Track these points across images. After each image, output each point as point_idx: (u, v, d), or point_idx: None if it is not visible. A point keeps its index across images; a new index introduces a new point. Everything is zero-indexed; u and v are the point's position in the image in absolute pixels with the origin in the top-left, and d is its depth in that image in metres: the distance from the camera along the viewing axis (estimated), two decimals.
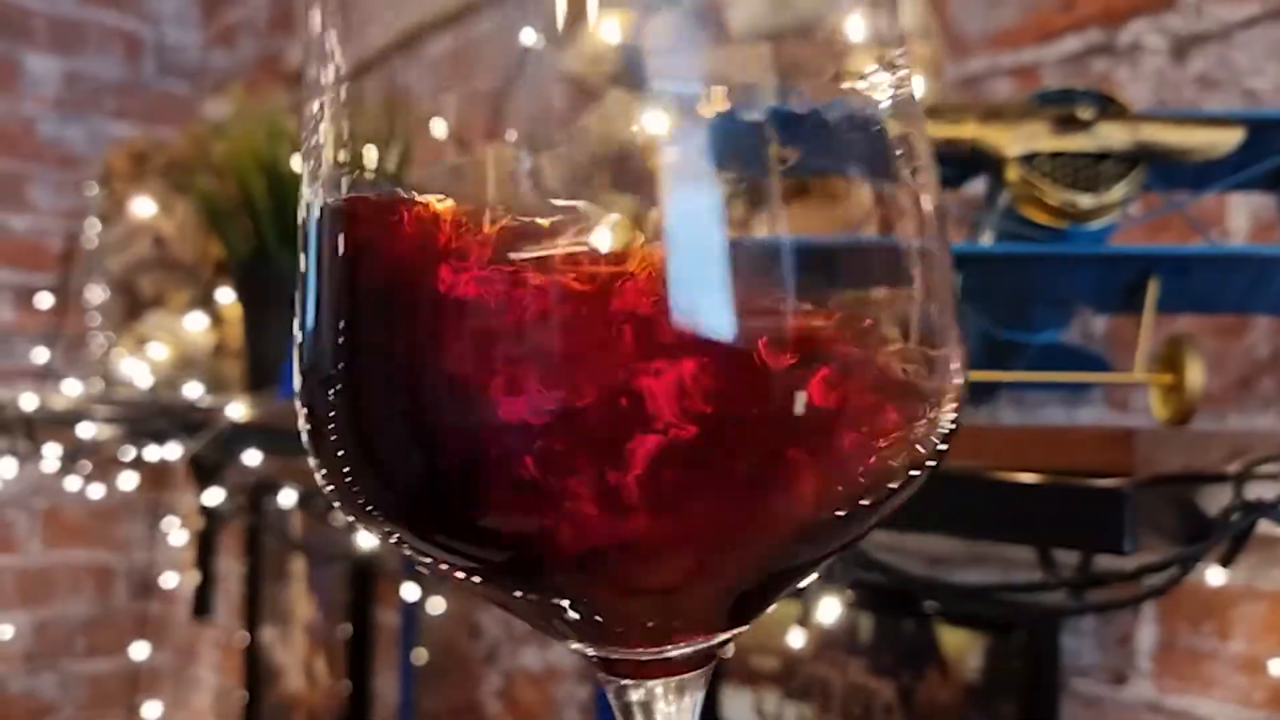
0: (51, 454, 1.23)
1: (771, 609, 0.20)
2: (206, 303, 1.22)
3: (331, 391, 0.17)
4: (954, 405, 0.19)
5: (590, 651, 0.18)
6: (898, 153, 0.20)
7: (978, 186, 0.58)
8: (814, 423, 0.16)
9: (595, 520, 0.16)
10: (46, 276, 1.63)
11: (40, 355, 1.53)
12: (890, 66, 0.20)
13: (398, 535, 0.18)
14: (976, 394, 0.67)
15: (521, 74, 0.19)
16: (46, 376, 1.51)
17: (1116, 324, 0.73)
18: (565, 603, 0.17)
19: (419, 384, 0.16)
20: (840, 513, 0.17)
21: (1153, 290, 0.51)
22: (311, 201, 0.19)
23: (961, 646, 0.75)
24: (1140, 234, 0.68)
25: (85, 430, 1.12)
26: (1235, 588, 0.65)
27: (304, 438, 0.19)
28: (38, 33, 1.64)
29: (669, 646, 0.18)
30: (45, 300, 1.61)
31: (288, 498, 0.88)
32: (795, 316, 0.16)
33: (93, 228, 1.33)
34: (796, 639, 0.51)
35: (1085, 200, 0.49)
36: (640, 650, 0.18)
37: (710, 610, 0.18)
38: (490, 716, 1.13)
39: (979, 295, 0.54)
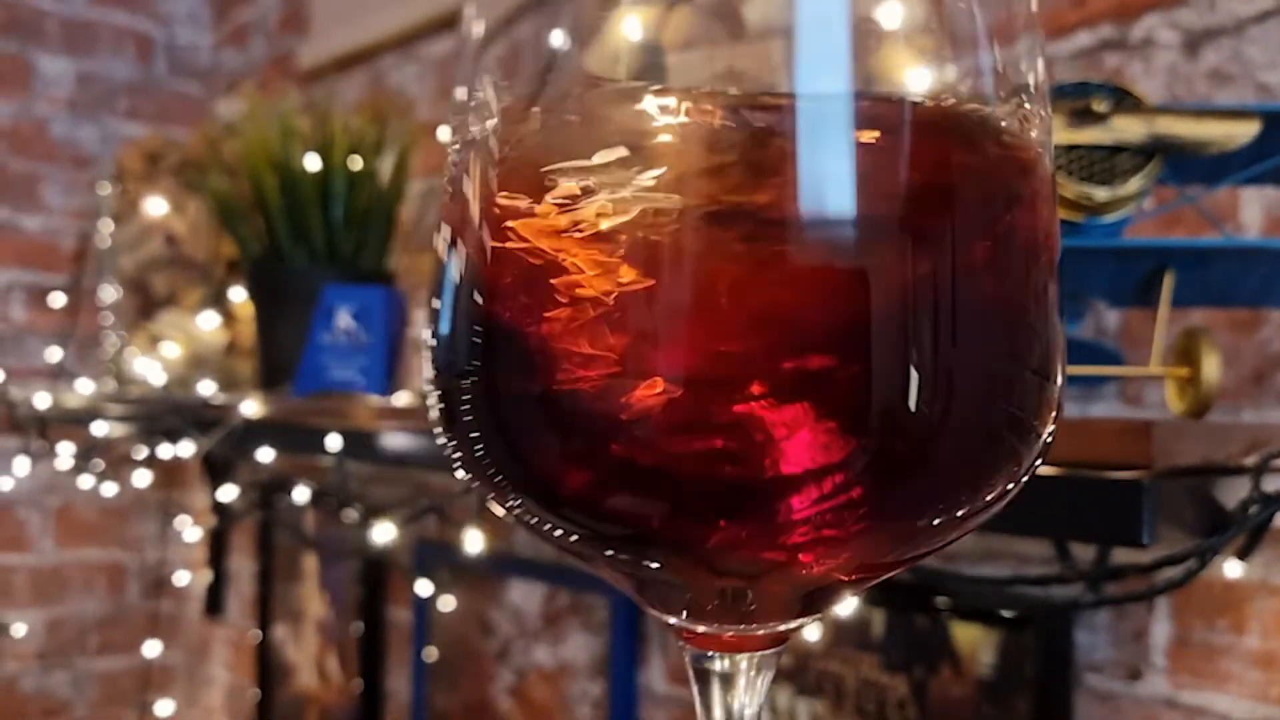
0: (65, 452, 1.24)
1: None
2: (219, 301, 1.23)
3: (468, 380, 0.18)
4: (1054, 417, 0.20)
5: (677, 622, 0.19)
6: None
7: None
8: (940, 433, 0.17)
9: (715, 520, 0.17)
10: (59, 276, 1.64)
11: (53, 354, 1.54)
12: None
13: (522, 507, 0.19)
14: None
15: None
16: (59, 375, 1.52)
17: (1129, 320, 0.73)
18: (669, 579, 0.18)
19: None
20: (941, 520, 0.18)
21: (1168, 283, 0.51)
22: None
23: (974, 642, 0.75)
24: (1153, 228, 0.68)
25: (98, 429, 1.13)
26: (1250, 583, 0.65)
27: (437, 418, 0.20)
28: (50, 33, 1.65)
29: (755, 625, 0.19)
30: (58, 300, 1.62)
31: (300, 495, 0.89)
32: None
33: (105, 227, 1.34)
34: (810, 634, 0.51)
35: (1101, 193, 0.49)
36: (728, 627, 0.19)
37: (794, 600, 0.19)
38: (502, 713, 1.14)
39: None
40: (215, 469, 1.41)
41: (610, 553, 0.19)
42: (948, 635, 0.76)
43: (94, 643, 1.66)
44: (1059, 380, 0.19)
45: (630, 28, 0.21)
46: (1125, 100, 0.49)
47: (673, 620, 0.19)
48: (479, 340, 0.18)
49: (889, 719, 0.79)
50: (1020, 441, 0.18)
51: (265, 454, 0.93)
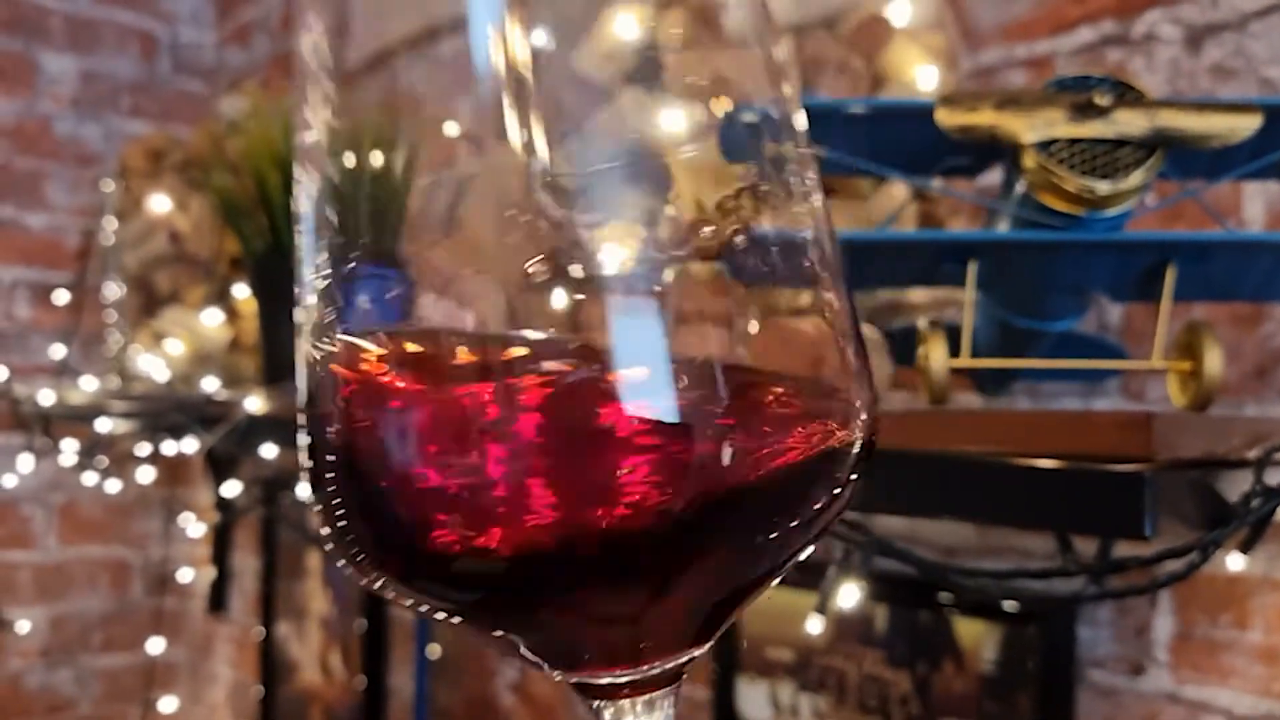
0: (69, 449, 1.24)
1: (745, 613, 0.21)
2: (222, 298, 1.23)
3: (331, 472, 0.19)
4: (867, 428, 0.20)
5: (565, 678, 0.20)
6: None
7: (992, 177, 0.58)
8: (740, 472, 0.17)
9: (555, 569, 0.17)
10: (63, 274, 1.65)
11: (57, 352, 1.54)
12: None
13: (383, 581, 0.19)
14: (992, 383, 0.67)
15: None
16: (63, 373, 1.52)
17: (1130, 315, 0.73)
18: (530, 638, 0.19)
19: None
20: (773, 535, 0.18)
21: (1170, 277, 0.51)
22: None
23: (977, 637, 0.75)
24: (1154, 222, 0.68)
25: (102, 425, 1.13)
26: (1253, 577, 0.65)
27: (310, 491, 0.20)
28: (54, 31, 1.65)
29: (643, 667, 0.19)
30: (62, 297, 1.62)
31: (303, 490, 0.89)
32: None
33: (109, 224, 1.34)
34: (814, 627, 0.51)
35: (1103, 186, 0.49)
36: (614, 673, 0.19)
37: (673, 634, 0.19)
38: (505, 710, 1.14)
39: (995, 283, 0.54)
40: (218, 466, 1.42)
41: (479, 621, 0.19)
42: (950, 631, 0.76)
43: (98, 640, 1.66)
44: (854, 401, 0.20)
45: (624, 27, 0.21)
46: (1127, 94, 0.49)
47: (573, 678, 0.19)
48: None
49: (892, 714, 0.79)
50: (824, 466, 0.19)
51: (269, 450, 0.94)
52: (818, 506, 0.19)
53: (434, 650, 1.22)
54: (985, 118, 0.50)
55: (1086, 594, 0.50)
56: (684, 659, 0.19)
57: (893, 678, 0.79)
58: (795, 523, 0.19)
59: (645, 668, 0.19)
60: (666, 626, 0.19)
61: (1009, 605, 0.73)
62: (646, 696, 0.19)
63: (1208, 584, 0.67)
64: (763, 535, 0.18)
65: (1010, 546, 0.75)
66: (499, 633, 0.19)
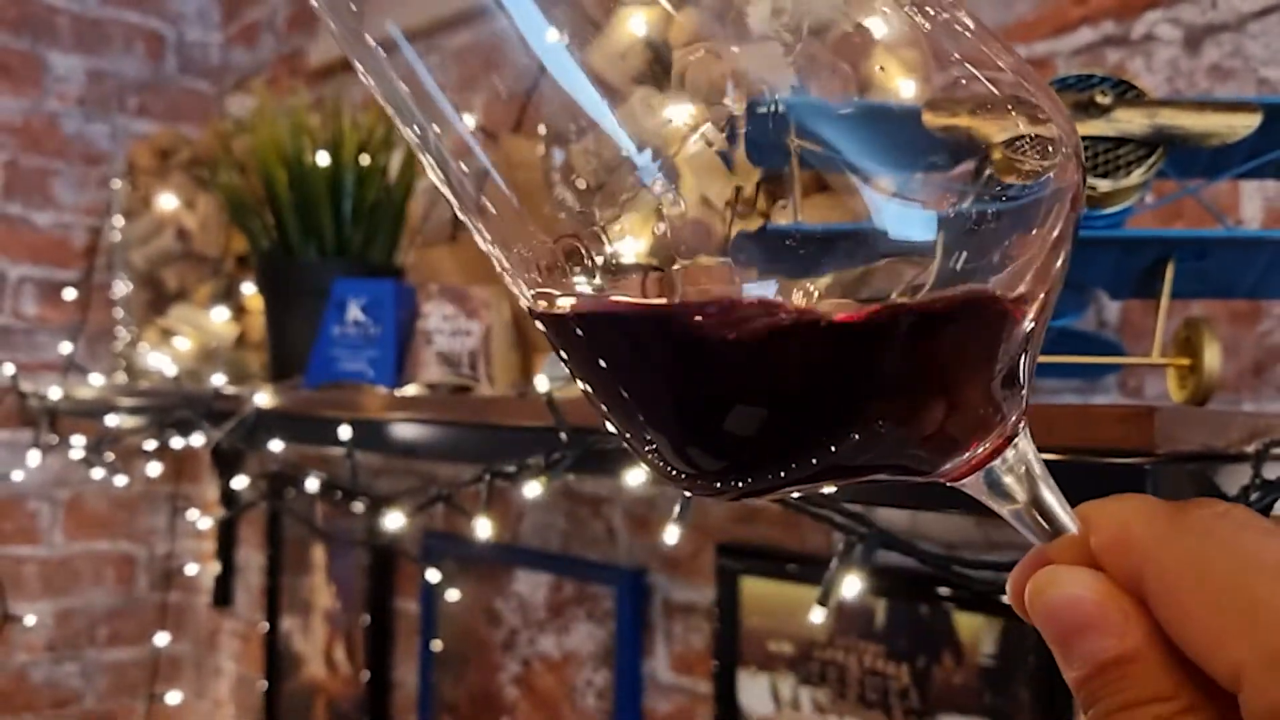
0: (76, 445, 1.25)
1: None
2: (229, 295, 1.24)
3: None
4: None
5: (954, 461, 0.23)
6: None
7: None
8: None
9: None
10: (70, 271, 1.65)
11: (64, 348, 1.55)
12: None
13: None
14: None
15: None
16: (70, 369, 1.53)
17: (1128, 313, 0.74)
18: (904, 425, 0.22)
19: None
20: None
21: (1170, 274, 0.52)
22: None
23: (976, 631, 0.75)
24: (1153, 221, 0.69)
25: (111, 420, 1.14)
26: None
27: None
28: (62, 31, 1.66)
29: (977, 446, 0.22)
30: (69, 294, 1.63)
31: (310, 485, 0.90)
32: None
33: (117, 222, 1.35)
34: (816, 618, 0.52)
35: (1104, 184, 0.50)
36: (958, 457, 0.23)
37: (970, 421, 0.22)
38: (509, 703, 1.15)
39: None
40: (224, 462, 1.43)
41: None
42: (950, 624, 0.77)
43: (103, 634, 1.67)
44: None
45: (636, 25, 0.22)
46: (1128, 93, 0.50)
47: (952, 460, 0.23)
48: None
49: (892, 707, 0.80)
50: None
51: (276, 445, 0.94)
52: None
53: (438, 644, 1.23)
54: (969, 120, 0.51)
55: None
56: (1009, 421, 0.22)
57: (893, 671, 0.80)
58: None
59: (979, 446, 0.22)
60: (972, 404, 0.22)
61: (1007, 598, 0.73)
62: (1017, 440, 0.23)
63: None
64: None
65: (1010, 541, 0.76)
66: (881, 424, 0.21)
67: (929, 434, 0.22)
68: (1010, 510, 0.23)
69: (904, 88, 0.23)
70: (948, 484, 0.24)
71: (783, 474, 0.22)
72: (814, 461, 0.22)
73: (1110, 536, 0.21)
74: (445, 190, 0.23)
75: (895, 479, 0.23)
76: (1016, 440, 0.23)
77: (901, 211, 0.21)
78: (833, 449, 0.22)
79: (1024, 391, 0.23)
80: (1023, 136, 0.22)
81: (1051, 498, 0.23)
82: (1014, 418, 0.23)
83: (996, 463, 0.23)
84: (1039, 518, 0.23)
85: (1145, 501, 0.21)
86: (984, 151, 0.21)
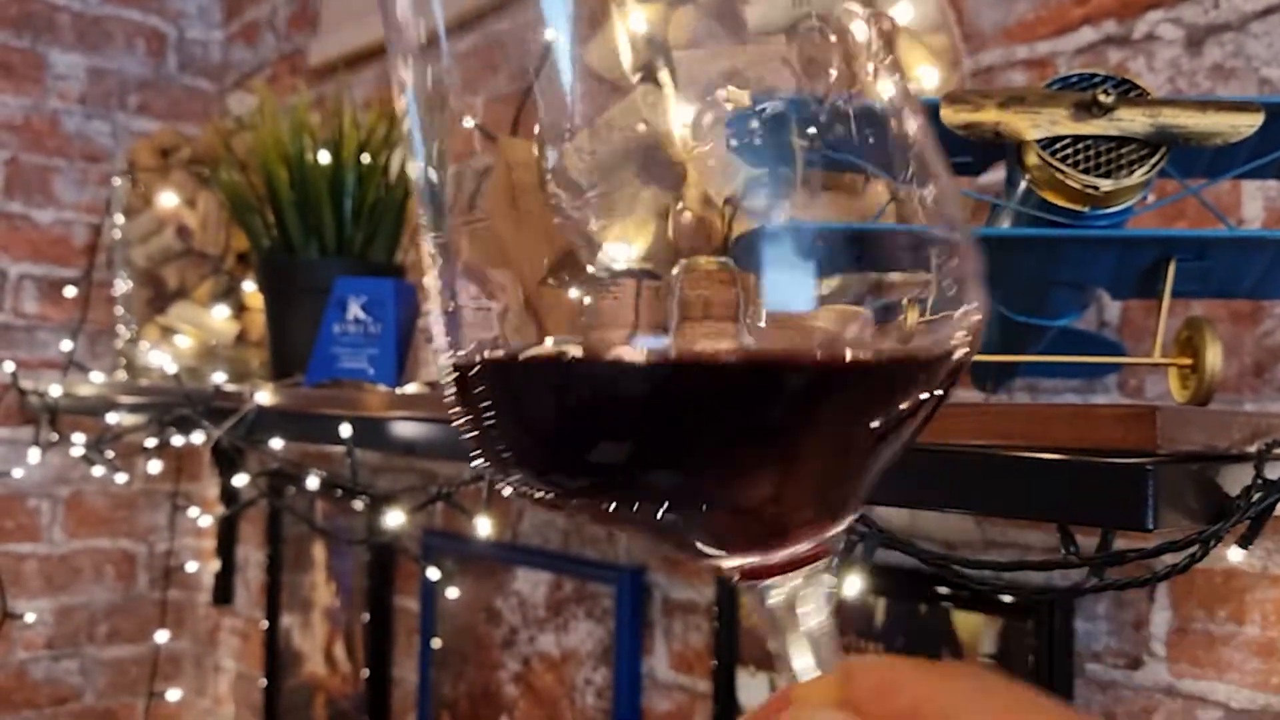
0: (77, 442, 1.25)
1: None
2: (230, 293, 1.24)
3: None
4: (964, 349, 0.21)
5: (728, 563, 0.22)
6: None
7: (995, 175, 0.59)
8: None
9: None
10: (71, 269, 1.65)
11: (65, 346, 1.55)
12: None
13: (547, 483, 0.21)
14: (991, 379, 0.68)
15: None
16: (70, 367, 1.53)
17: (1128, 313, 0.74)
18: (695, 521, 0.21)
19: None
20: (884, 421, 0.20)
21: (1171, 274, 0.52)
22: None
23: (975, 630, 0.75)
24: (1154, 221, 0.69)
25: (111, 418, 1.14)
26: (1251, 572, 0.66)
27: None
28: (63, 29, 1.66)
29: (790, 544, 0.21)
30: (70, 292, 1.63)
31: (310, 483, 0.90)
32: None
33: (117, 220, 1.35)
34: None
35: (1106, 184, 0.50)
36: (769, 554, 0.21)
37: (810, 510, 0.21)
38: (508, 701, 1.15)
39: (997, 279, 0.55)
40: (224, 460, 1.42)
41: (646, 503, 0.20)
42: (949, 623, 0.77)
43: (103, 631, 1.67)
44: None
45: (634, 23, 0.21)
46: (1130, 92, 0.50)
47: (727, 563, 0.21)
48: None
49: None
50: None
51: (276, 443, 0.94)
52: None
53: (438, 642, 1.23)
54: (989, 115, 0.51)
55: (1088, 585, 0.50)
56: (833, 531, 0.21)
57: None
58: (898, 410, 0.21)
59: (792, 545, 0.21)
60: (803, 497, 0.21)
61: (1006, 597, 0.73)
62: (804, 571, 0.22)
63: (1205, 578, 0.68)
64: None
65: (1010, 541, 0.76)
66: (668, 511, 0.20)
67: (754, 507, 0.20)
68: (778, 642, 0.22)
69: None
70: (739, 584, 0.22)
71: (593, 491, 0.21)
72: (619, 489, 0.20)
73: (874, 684, 0.21)
74: (428, 210, 0.23)
75: (684, 552, 0.21)
76: (826, 563, 0.22)
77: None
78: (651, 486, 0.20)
79: (855, 509, 0.22)
80: None
81: (821, 643, 0.22)
82: (837, 531, 0.21)
83: (796, 580, 0.21)
84: (804, 653, 0.22)
85: (905, 658, 0.21)
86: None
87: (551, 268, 0.22)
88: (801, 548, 0.21)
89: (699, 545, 0.21)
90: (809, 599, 0.22)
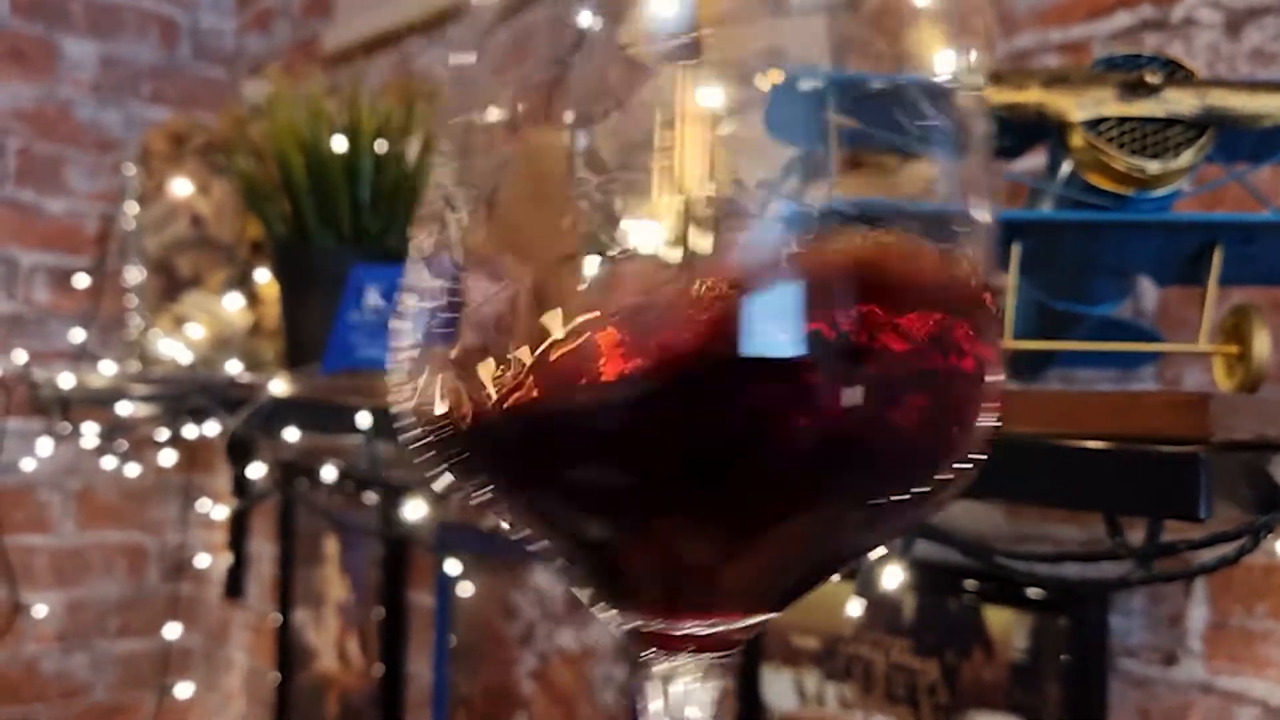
0: (89, 433, 1.25)
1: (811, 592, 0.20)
2: (243, 282, 1.23)
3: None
4: (994, 405, 0.20)
5: (625, 622, 0.19)
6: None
7: (1035, 158, 0.57)
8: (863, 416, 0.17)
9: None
10: (82, 258, 1.65)
11: (76, 336, 1.54)
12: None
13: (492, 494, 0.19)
14: (1028, 367, 0.66)
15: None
16: (82, 357, 1.53)
17: (1166, 302, 0.72)
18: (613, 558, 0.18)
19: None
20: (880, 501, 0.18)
21: (1217, 259, 0.51)
22: None
23: (1007, 626, 0.74)
24: (1196, 206, 0.68)
25: (123, 408, 1.13)
26: None
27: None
28: (75, 17, 1.65)
29: (707, 620, 0.18)
30: (82, 282, 1.62)
31: (326, 474, 0.89)
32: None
33: (130, 209, 1.34)
34: (854, 610, 0.51)
35: (1153, 166, 0.48)
36: (678, 622, 0.18)
37: (746, 589, 0.18)
38: (525, 697, 1.14)
39: (1038, 265, 0.53)
40: (237, 451, 1.42)
41: (576, 532, 0.19)
42: (980, 619, 0.76)
43: (114, 625, 1.67)
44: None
45: (665, 2, 0.21)
46: (1177, 73, 0.49)
47: (629, 622, 0.19)
48: None
49: (919, 703, 0.79)
50: (947, 437, 0.19)
51: (291, 433, 0.93)
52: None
53: (453, 638, 1.22)
54: (1033, 96, 0.49)
55: (1132, 578, 0.49)
56: (753, 620, 0.19)
57: (920, 666, 0.79)
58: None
59: (713, 622, 0.18)
60: (744, 577, 0.18)
61: (1033, 593, 0.72)
62: (703, 659, 0.19)
63: (1244, 573, 0.66)
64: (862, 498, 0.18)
65: (1044, 535, 0.74)
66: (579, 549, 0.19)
67: (690, 564, 0.17)
68: None
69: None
70: (630, 652, 0.20)
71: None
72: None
73: None
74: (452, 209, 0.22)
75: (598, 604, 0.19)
76: (727, 663, 0.19)
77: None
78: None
79: (786, 607, 0.19)
80: None
81: None
82: (757, 623, 0.19)
83: (690, 666, 0.18)
84: None
85: None
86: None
87: (568, 253, 0.21)
88: (717, 628, 0.18)
89: (605, 579, 0.19)
90: (696, 700, 0.19)
